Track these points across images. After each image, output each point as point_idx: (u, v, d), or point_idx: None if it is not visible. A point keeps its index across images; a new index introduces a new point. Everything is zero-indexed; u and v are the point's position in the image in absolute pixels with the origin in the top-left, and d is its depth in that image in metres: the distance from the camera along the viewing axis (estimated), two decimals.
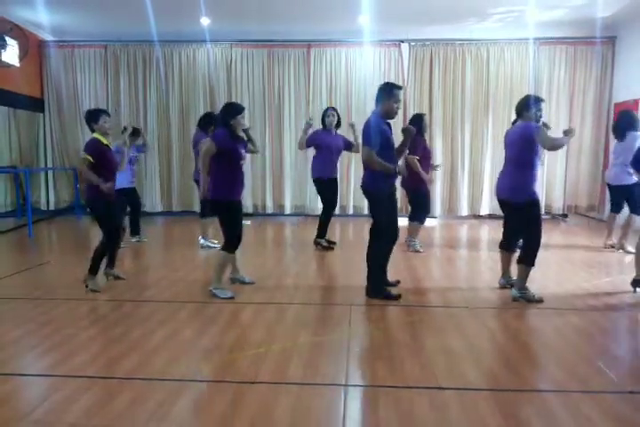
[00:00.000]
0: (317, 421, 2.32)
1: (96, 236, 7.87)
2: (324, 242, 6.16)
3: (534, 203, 3.99)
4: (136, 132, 6.40)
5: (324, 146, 6.04)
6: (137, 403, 2.44)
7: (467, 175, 8.90)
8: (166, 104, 9.00)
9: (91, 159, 4.20)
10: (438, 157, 8.83)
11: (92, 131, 4.37)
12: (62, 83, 9.14)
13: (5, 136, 8.96)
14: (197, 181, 6.14)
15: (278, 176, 9.04)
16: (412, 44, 8.76)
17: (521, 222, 4.08)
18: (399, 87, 4.08)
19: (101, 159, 4.26)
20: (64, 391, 2.56)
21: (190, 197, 9.15)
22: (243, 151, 4.22)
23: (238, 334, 3.38)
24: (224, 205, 4.12)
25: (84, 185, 4.47)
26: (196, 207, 9.07)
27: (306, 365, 2.88)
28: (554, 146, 4.03)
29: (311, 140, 6.11)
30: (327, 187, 6.09)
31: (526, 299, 4.02)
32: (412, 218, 6.08)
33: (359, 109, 8.80)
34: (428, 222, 8.60)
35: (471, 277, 4.93)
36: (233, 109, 4.16)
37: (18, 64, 8.17)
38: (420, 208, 6.00)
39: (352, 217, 8.84)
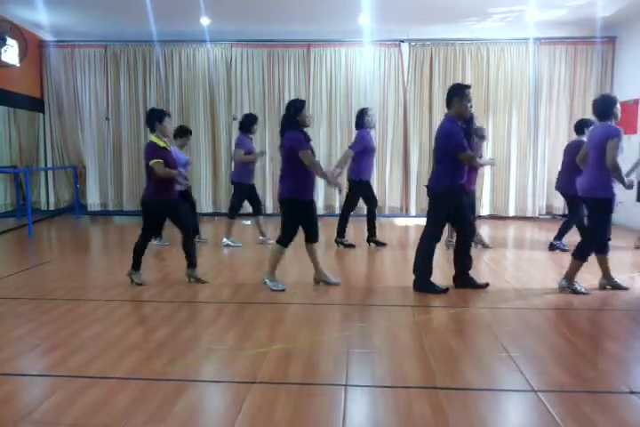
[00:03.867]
0: (317, 421, 2.32)
1: (96, 236, 7.90)
2: (377, 240, 6.38)
3: (608, 203, 4.10)
4: (185, 132, 6.24)
5: (373, 147, 6.22)
6: (137, 403, 2.44)
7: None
8: (166, 104, 8.99)
9: (162, 162, 4.26)
10: None
11: (152, 130, 4.40)
12: (62, 83, 9.15)
13: (5, 136, 8.96)
14: (235, 183, 6.32)
15: (278, 176, 9.01)
16: (412, 44, 8.76)
17: (593, 218, 4.24)
18: (469, 86, 4.20)
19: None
20: (64, 391, 2.56)
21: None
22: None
23: (238, 333, 3.38)
24: (300, 204, 4.27)
25: (146, 186, 4.49)
26: (196, 207, 9.08)
27: (306, 365, 2.88)
28: (613, 165, 4.02)
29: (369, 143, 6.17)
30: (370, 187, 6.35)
31: (573, 290, 4.29)
32: None
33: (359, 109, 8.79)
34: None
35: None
36: (296, 106, 4.30)
37: (18, 64, 8.17)
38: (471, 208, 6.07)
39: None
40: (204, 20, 8.00)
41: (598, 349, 3.19)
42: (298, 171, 4.22)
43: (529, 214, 8.86)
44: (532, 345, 3.20)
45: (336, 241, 6.32)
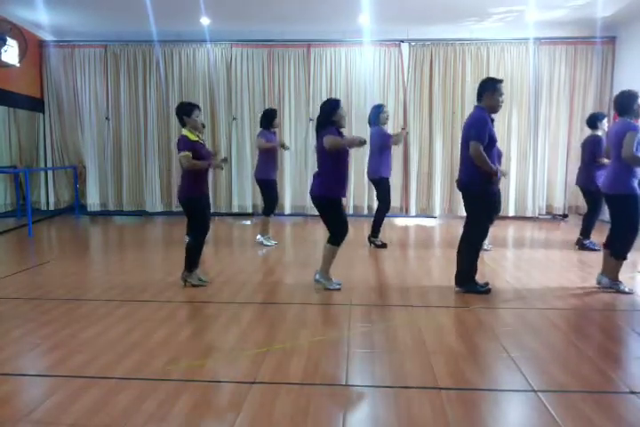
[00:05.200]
0: (317, 421, 2.32)
1: (95, 236, 7.90)
2: (377, 241, 6.24)
3: (632, 196, 4.09)
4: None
5: (389, 144, 6.16)
6: (137, 403, 2.44)
7: None
8: (166, 104, 9.00)
9: (190, 155, 4.21)
10: (438, 157, 8.84)
11: (183, 125, 4.37)
12: (62, 83, 9.15)
13: (5, 136, 8.96)
14: (259, 180, 6.25)
15: (278, 176, 9.01)
16: (412, 44, 8.76)
17: (618, 215, 4.20)
18: (501, 81, 4.13)
19: (193, 155, 4.27)
20: (64, 391, 2.56)
21: None
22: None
23: (238, 333, 3.38)
24: (333, 201, 4.24)
25: (180, 184, 4.45)
26: None
27: (306, 365, 2.88)
28: (629, 157, 4.01)
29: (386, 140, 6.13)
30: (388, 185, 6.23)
31: (617, 290, 4.24)
32: None
33: (359, 109, 8.79)
34: (428, 222, 8.62)
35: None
36: (331, 105, 4.23)
37: (18, 64, 8.18)
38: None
39: (352, 217, 8.82)
40: (204, 20, 8.00)
41: (598, 349, 3.19)
42: (330, 167, 4.20)
43: (529, 214, 8.86)
44: (532, 345, 3.20)
45: (369, 239, 6.28)
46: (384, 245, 6.23)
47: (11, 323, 3.58)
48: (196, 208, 4.40)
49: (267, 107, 8.80)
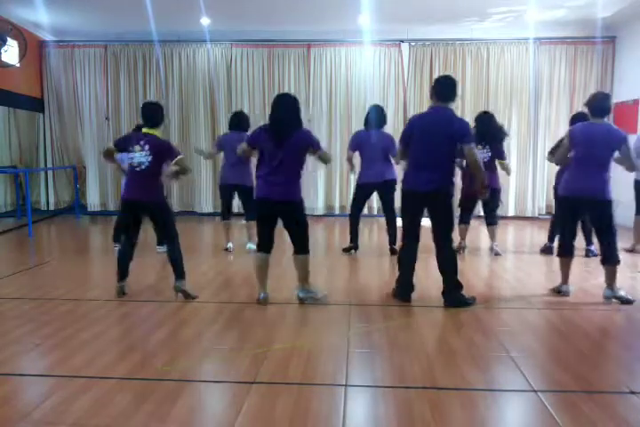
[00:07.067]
0: (317, 421, 2.32)
1: (95, 236, 7.90)
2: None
3: (613, 201, 4.05)
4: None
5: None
6: (137, 403, 2.44)
7: None
8: (166, 104, 8.98)
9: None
10: None
11: (155, 125, 4.01)
12: (62, 83, 9.15)
13: (5, 136, 8.96)
14: (240, 186, 5.79)
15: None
16: (412, 44, 8.76)
17: (604, 222, 4.06)
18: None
19: None
20: (64, 391, 2.56)
21: (190, 197, 9.16)
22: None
23: (238, 333, 3.38)
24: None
25: (150, 185, 4.04)
26: (197, 208, 9.10)
27: (306, 365, 2.88)
28: (633, 167, 3.98)
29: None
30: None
31: (619, 299, 4.04)
32: (491, 222, 5.89)
33: (359, 109, 8.79)
34: (427, 222, 8.60)
35: (465, 279, 4.91)
36: (297, 101, 3.91)
37: (18, 64, 8.18)
38: (496, 210, 5.86)
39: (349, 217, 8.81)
40: (204, 20, 8.00)
41: (598, 348, 3.19)
42: (301, 172, 3.97)
43: (528, 214, 8.86)
44: (531, 345, 3.20)
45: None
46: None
47: (11, 323, 3.58)
48: (169, 209, 4.31)
49: (267, 107, 8.82)
